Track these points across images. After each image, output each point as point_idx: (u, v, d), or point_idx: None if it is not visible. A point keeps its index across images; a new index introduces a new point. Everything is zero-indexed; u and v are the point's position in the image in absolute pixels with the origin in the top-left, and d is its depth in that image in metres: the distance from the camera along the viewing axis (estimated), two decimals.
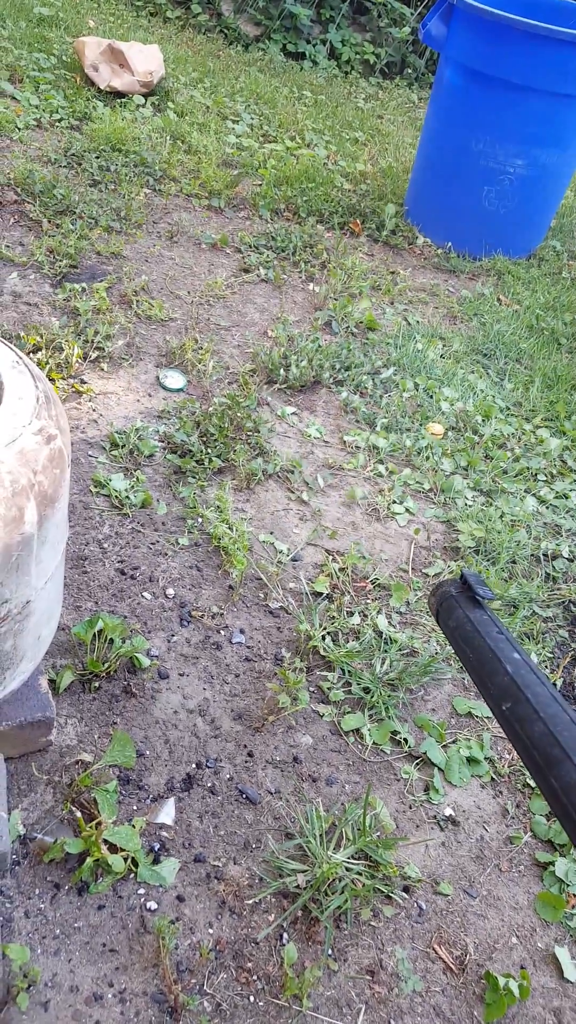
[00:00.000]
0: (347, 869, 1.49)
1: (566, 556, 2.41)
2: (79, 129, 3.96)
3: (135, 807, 1.55)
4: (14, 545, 1.10)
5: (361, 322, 3.23)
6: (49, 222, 3.17)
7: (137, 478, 2.24)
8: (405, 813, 1.68)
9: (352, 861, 1.50)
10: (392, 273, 3.70)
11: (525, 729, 0.75)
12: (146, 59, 4.38)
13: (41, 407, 1.21)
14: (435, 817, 1.69)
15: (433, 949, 1.47)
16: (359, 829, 1.55)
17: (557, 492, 2.66)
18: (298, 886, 1.46)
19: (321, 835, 1.54)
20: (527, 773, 1.81)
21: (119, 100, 4.32)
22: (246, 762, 1.69)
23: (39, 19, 4.97)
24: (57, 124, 3.94)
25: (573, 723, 0.73)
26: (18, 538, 1.11)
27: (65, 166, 3.60)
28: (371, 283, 3.52)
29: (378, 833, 1.60)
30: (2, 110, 3.82)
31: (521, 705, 0.76)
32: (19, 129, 3.77)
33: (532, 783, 1.80)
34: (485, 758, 1.82)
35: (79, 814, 1.46)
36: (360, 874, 1.50)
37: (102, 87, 4.30)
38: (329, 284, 3.40)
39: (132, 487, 2.22)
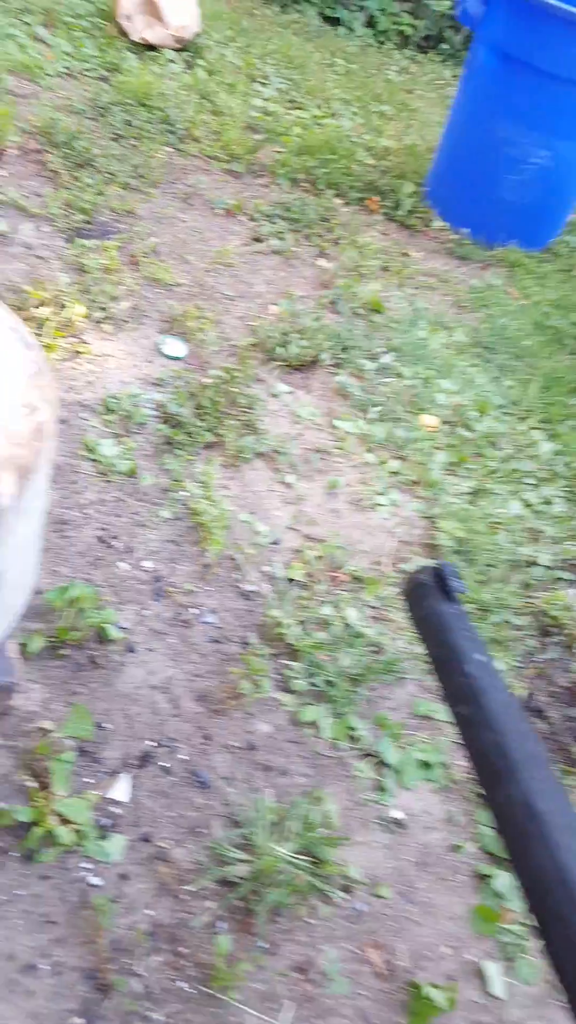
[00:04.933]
0: (289, 863, 1.51)
1: (544, 564, 2.42)
2: (107, 80, 3.87)
3: (89, 780, 1.57)
4: None
5: (367, 303, 3.19)
6: (68, 174, 3.12)
7: (126, 446, 2.23)
8: (353, 811, 1.70)
9: (295, 856, 1.52)
10: (404, 255, 3.66)
11: (476, 735, 0.73)
12: (181, 12, 4.27)
13: (30, 377, 1.19)
14: (382, 818, 1.71)
15: (365, 952, 1.50)
16: (305, 824, 1.57)
17: (543, 497, 2.65)
18: (239, 876, 1.48)
19: (267, 826, 1.55)
20: None
21: (150, 53, 4.23)
22: (202, 744, 1.70)
23: None
24: (86, 74, 3.86)
25: (524, 736, 0.72)
26: None
27: (90, 117, 3.53)
28: (382, 263, 3.48)
29: (324, 830, 1.62)
30: (35, 55, 3.74)
31: (475, 710, 0.75)
32: (48, 76, 3.69)
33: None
34: (439, 763, 1.84)
35: (32, 783, 1.48)
36: (302, 870, 1.52)
37: (134, 38, 4.20)
38: (340, 262, 3.36)
39: (121, 455, 2.21)
